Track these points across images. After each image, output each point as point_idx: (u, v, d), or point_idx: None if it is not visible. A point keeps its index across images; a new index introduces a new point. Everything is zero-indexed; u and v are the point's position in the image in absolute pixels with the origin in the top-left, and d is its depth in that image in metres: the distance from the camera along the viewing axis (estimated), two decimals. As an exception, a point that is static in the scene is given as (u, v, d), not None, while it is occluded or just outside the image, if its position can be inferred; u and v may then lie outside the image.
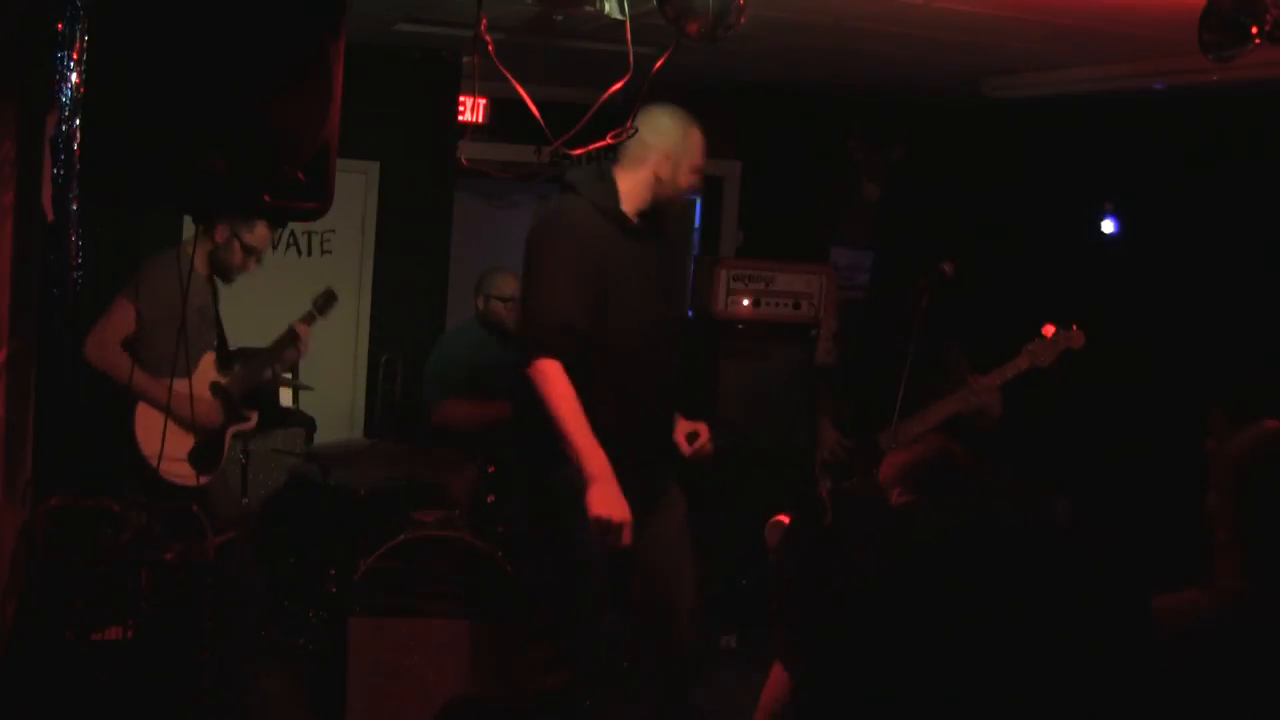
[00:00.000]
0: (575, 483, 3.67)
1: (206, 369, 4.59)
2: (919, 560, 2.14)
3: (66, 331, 4.26)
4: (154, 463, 4.23)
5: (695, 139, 3.90)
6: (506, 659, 4.35)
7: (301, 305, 4.93)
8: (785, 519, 3.26)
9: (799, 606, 2.26)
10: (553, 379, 3.66)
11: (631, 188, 3.89)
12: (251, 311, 5.04)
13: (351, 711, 4.27)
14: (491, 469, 5.01)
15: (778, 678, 3.30)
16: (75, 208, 3.84)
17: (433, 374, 5.60)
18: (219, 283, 4.70)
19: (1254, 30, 3.12)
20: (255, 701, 4.51)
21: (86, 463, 4.24)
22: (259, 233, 4.54)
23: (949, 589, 2.06)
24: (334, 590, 4.73)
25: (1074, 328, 4.67)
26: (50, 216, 3.58)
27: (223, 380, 4.62)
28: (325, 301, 4.97)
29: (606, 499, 3.61)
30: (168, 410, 4.24)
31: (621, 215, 3.87)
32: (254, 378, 4.75)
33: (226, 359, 4.70)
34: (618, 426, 3.74)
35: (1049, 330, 4.67)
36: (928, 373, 4.63)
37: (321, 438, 5.74)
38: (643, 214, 3.92)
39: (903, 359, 4.42)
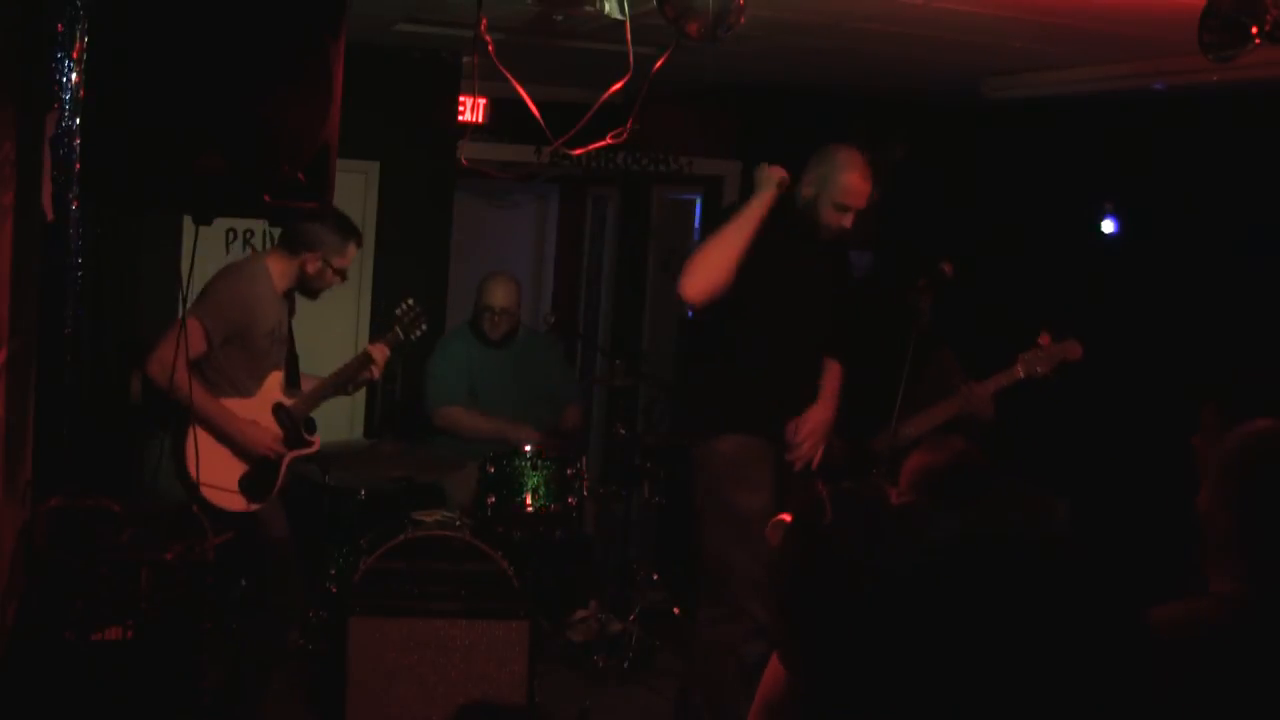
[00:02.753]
0: (736, 453, 4.28)
1: (272, 389, 4.44)
2: (920, 565, 2.14)
3: (67, 331, 4.26)
4: (204, 492, 4.16)
5: (846, 180, 4.34)
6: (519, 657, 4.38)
7: (308, 303, 4.89)
8: (788, 518, 3.25)
9: (798, 606, 2.26)
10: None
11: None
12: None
13: (351, 711, 4.27)
14: (491, 469, 5.02)
15: (775, 670, 3.30)
16: (75, 208, 3.83)
17: (433, 375, 5.61)
18: (295, 300, 4.55)
19: (1254, 30, 3.12)
20: (255, 701, 4.51)
21: (87, 463, 4.24)
22: (349, 254, 4.43)
23: (951, 596, 2.06)
24: (334, 590, 4.73)
25: (1072, 339, 4.64)
26: (50, 216, 3.57)
27: (287, 402, 4.48)
28: (411, 319, 4.77)
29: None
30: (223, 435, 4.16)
31: (805, 224, 4.38)
32: (320, 400, 4.61)
33: (295, 379, 4.56)
34: (777, 406, 4.37)
35: (1045, 340, 4.65)
36: (920, 375, 4.63)
37: (321, 438, 5.74)
38: (836, 232, 4.40)
39: (900, 360, 4.42)
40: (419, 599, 4.40)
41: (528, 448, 5.03)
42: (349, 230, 4.44)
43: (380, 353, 4.62)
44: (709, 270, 4.21)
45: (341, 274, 4.46)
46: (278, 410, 4.45)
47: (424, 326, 4.84)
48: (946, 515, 2.68)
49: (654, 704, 4.98)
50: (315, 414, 5.81)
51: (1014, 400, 4.82)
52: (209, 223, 4.46)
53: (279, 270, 4.37)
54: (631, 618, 5.48)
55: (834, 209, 4.32)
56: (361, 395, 6.32)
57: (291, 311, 4.55)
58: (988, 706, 1.99)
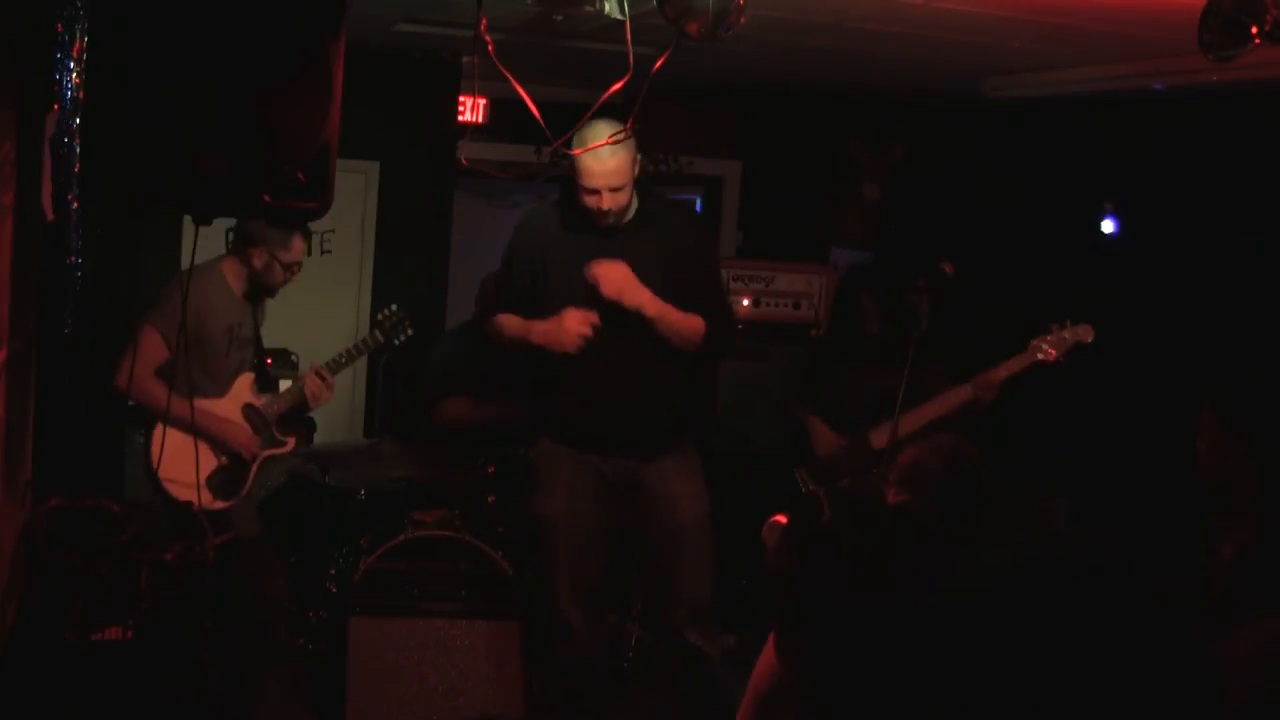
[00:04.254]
0: (538, 458, 4.35)
1: (241, 391, 4.46)
2: (922, 564, 2.15)
3: (67, 332, 4.26)
4: (168, 488, 4.22)
5: (585, 161, 4.03)
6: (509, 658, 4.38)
7: (308, 303, 4.90)
8: (783, 519, 3.25)
9: (795, 605, 2.26)
10: (494, 325, 4.33)
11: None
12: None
13: (351, 711, 4.27)
14: (491, 469, 5.01)
15: (768, 663, 3.30)
16: (75, 208, 3.83)
17: (436, 371, 5.60)
18: (261, 302, 4.56)
19: (1254, 30, 3.12)
20: (255, 702, 4.51)
21: (87, 463, 4.24)
22: (295, 249, 4.39)
23: (951, 594, 2.06)
24: (334, 590, 4.73)
25: (1084, 323, 4.67)
26: (50, 216, 3.57)
27: (257, 403, 4.49)
28: (395, 323, 4.79)
29: (546, 331, 4.15)
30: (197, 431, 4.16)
31: (572, 215, 4.19)
32: (289, 408, 4.60)
33: (265, 381, 4.57)
34: (576, 411, 4.24)
35: (1056, 325, 4.67)
36: (912, 377, 4.63)
37: (321, 438, 5.74)
38: (629, 216, 4.17)
39: (899, 360, 4.41)
40: (419, 599, 4.40)
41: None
42: (293, 224, 4.38)
43: (326, 378, 4.58)
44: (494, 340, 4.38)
45: (290, 269, 4.42)
46: (247, 411, 4.47)
47: (409, 330, 4.84)
48: (949, 519, 2.69)
49: (654, 704, 4.97)
50: (317, 415, 5.84)
51: (1015, 399, 4.81)
52: (209, 223, 4.46)
53: (232, 271, 4.40)
54: (632, 617, 5.47)
55: (584, 193, 4.09)
56: (361, 395, 6.33)
57: (261, 315, 4.56)
58: (987, 705, 2.00)
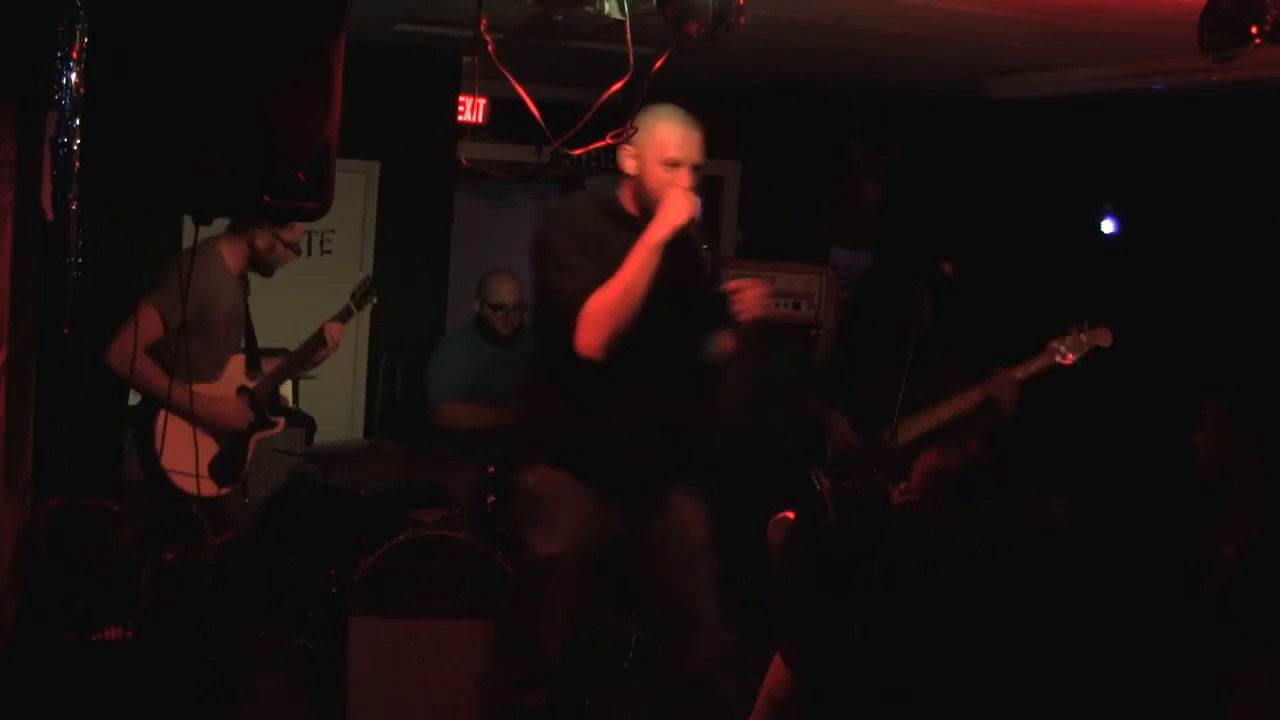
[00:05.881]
0: (538, 489, 3.76)
1: (234, 373, 4.49)
2: (923, 566, 2.15)
3: (67, 331, 4.26)
4: (173, 479, 4.22)
5: (665, 132, 3.62)
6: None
7: (308, 304, 4.93)
8: (790, 515, 3.24)
9: (801, 605, 2.27)
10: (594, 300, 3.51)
11: (627, 184, 3.72)
12: (252, 311, 5.03)
13: (351, 711, 4.27)
14: (491, 469, 5.01)
15: (779, 668, 3.30)
16: (75, 208, 3.84)
17: (434, 376, 5.60)
18: (249, 282, 4.60)
19: (1254, 30, 3.12)
20: (255, 701, 4.51)
21: (87, 463, 4.24)
22: (296, 227, 4.42)
23: (953, 596, 2.06)
24: (334, 590, 4.73)
25: (1103, 326, 4.64)
26: (50, 216, 3.58)
27: (250, 384, 4.52)
28: (363, 295, 4.86)
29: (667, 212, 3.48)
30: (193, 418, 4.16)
31: (621, 210, 3.72)
32: (282, 381, 4.67)
33: (255, 362, 4.59)
34: (623, 435, 3.69)
35: (1074, 328, 4.65)
36: (926, 377, 4.63)
37: (321, 438, 5.74)
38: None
39: (902, 360, 4.42)
40: (419, 599, 4.40)
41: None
42: None
43: (333, 330, 4.68)
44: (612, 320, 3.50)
45: (293, 247, 4.47)
46: (241, 393, 4.51)
47: (375, 299, 4.95)
48: (950, 517, 2.69)
49: (654, 704, 4.97)
50: (317, 415, 5.85)
51: (1034, 396, 4.78)
52: (209, 223, 4.46)
53: (230, 252, 4.40)
54: (632, 618, 5.47)
55: (662, 168, 3.58)
56: (361, 395, 6.33)
57: (246, 293, 4.58)
58: (990, 705, 2.00)
